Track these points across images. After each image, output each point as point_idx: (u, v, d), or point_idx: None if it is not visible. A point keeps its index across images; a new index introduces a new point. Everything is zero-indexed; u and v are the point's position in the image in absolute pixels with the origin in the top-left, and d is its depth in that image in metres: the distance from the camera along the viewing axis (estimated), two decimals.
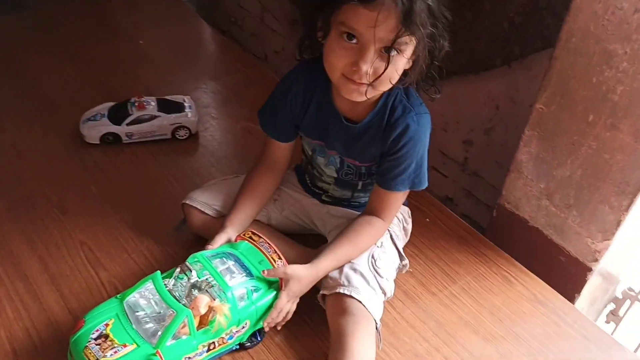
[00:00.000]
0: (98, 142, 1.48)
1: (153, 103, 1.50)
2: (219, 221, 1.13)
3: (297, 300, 1.04)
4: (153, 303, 0.93)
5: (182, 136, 1.53)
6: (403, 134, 1.03)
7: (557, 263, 1.25)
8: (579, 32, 1.06)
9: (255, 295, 0.98)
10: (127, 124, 1.47)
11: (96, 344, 0.88)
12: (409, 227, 1.25)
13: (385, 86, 0.96)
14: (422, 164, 1.08)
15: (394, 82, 0.96)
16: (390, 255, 1.13)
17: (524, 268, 1.26)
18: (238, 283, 0.97)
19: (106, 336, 0.89)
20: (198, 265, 0.97)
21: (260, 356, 1.03)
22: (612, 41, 1.01)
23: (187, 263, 0.98)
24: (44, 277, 1.14)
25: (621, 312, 1.32)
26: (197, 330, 0.91)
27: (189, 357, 0.93)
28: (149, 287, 0.94)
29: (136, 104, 1.49)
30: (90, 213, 1.29)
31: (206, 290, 0.94)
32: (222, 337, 0.96)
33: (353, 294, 1.00)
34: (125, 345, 0.88)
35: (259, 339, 1.04)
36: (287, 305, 1.01)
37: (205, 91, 1.75)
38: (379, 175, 1.09)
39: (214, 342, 0.95)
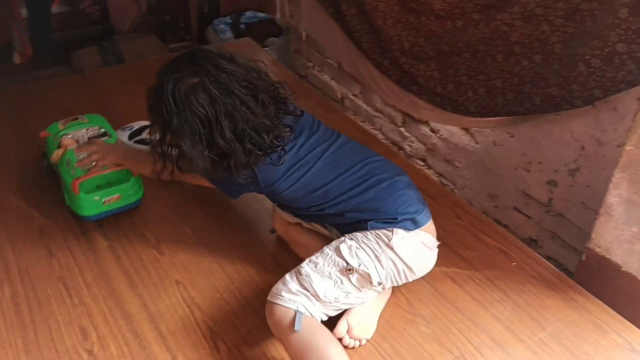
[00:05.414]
0: None
1: None
2: (294, 226, 1.34)
3: (104, 160, 1.40)
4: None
5: None
6: None
7: None
8: None
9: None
10: None
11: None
12: (391, 247, 1.16)
13: None
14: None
15: None
16: (326, 257, 1.15)
17: (617, 315, 1.22)
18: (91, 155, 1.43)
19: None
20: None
21: None
22: None
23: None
24: (143, 315, 1.21)
25: None
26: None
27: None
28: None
29: None
30: (184, 253, 1.37)
31: (78, 142, 1.49)
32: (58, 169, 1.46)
33: (268, 298, 1.12)
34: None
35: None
36: (93, 147, 1.43)
37: None
38: None
39: (57, 168, 1.47)
